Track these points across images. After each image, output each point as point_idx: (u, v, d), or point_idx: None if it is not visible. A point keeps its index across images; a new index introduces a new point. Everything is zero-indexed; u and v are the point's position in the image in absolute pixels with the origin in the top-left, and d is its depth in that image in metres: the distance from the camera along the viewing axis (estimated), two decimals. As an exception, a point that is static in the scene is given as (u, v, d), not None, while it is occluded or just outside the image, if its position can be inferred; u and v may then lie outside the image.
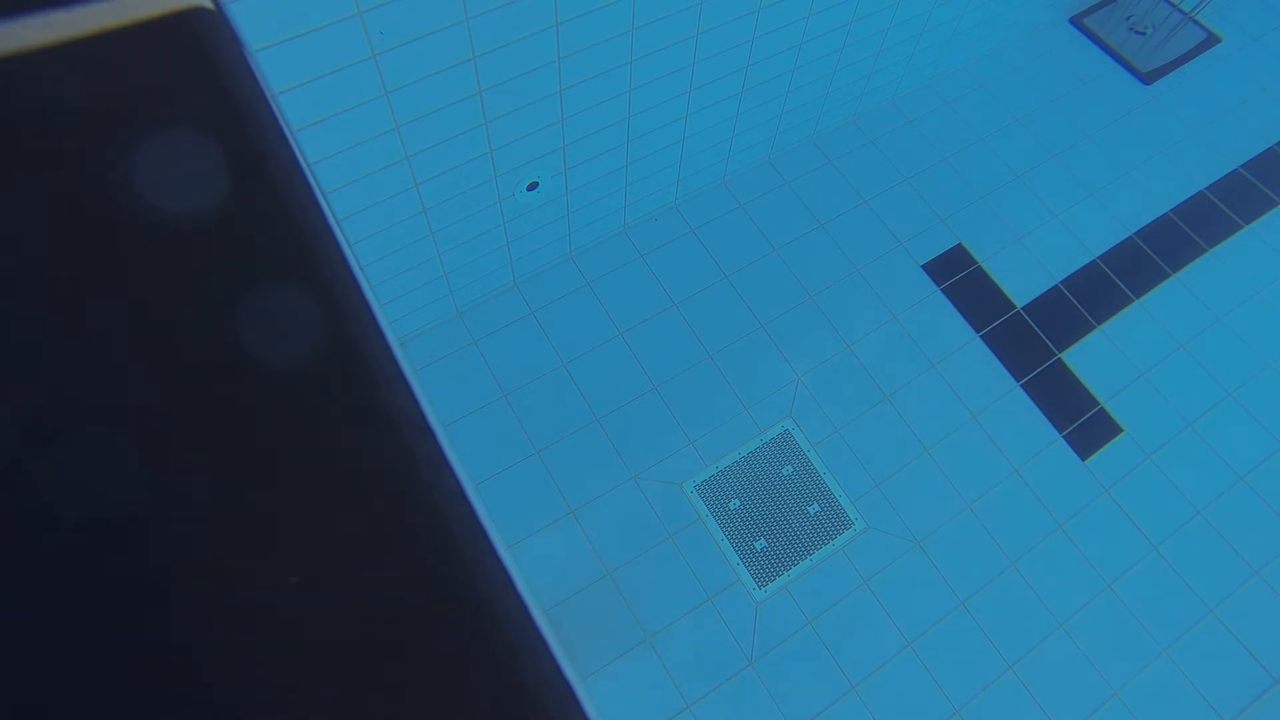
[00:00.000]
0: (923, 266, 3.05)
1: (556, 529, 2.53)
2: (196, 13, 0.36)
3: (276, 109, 0.38)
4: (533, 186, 2.44)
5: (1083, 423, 2.79)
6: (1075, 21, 3.69)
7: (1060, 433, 2.77)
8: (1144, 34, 3.62)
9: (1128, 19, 3.66)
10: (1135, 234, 3.16)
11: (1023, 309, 2.99)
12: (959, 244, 3.10)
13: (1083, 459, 2.73)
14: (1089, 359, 2.91)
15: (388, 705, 0.27)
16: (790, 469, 2.67)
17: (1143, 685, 2.42)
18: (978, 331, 2.94)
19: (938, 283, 3.02)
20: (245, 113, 0.35)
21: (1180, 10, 3.61)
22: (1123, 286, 3.05)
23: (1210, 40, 3.66)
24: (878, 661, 2.42)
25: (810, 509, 2.61)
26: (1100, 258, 3.11)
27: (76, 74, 0.33)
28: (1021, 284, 3.04)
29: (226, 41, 0.36)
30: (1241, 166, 3.32)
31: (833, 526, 2.59)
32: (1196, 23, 3.66)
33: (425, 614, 0.29)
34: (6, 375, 0.28)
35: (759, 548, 2.54)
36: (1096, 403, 2.83)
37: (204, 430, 0.29)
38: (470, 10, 1.74)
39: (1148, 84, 3.52)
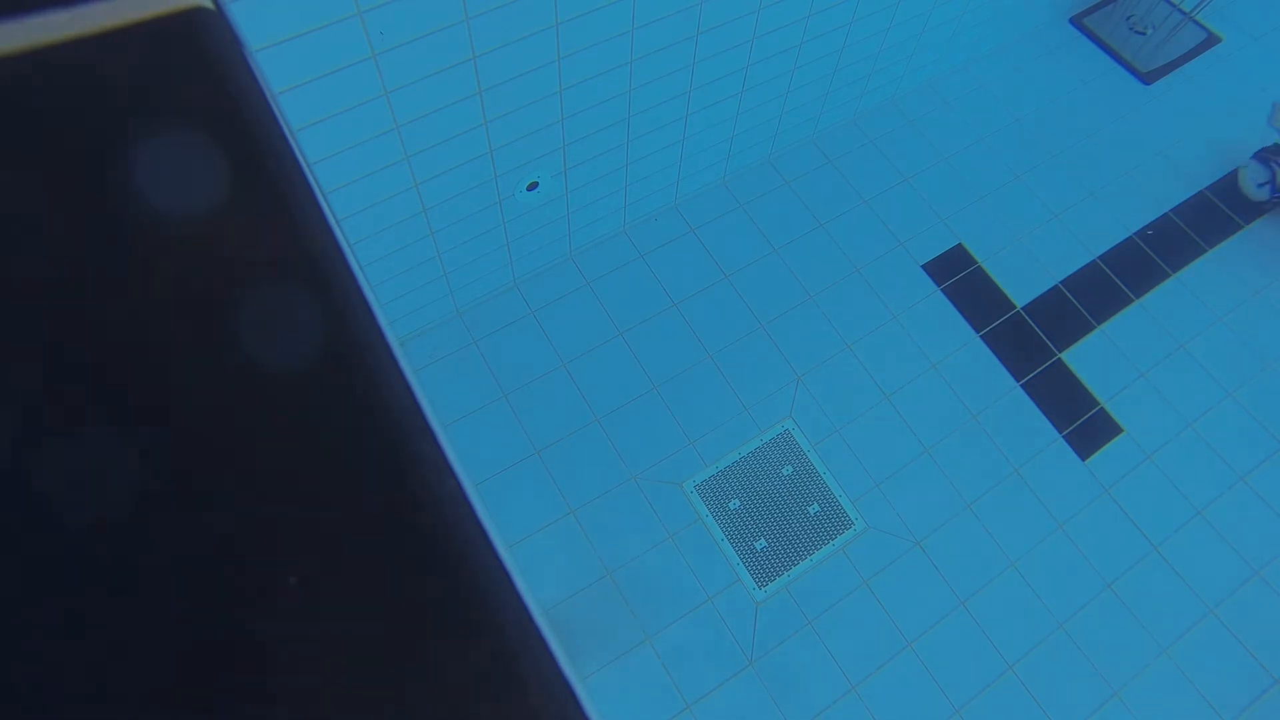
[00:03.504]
0: (923, 266, 3.05)
1: (556, 529, 2.53)
2: (196, 13, 0.36)
3: (276, 109, 0.38)
4: (533, 186, 2.44)
5: (1083, 423, 2.79)
6: (1075, 21, 3.69)
7: (1060, 433, 2.77)
8: (1144, 34, 3.62)
9: (1128, 19, 3.66)
10: (1135, 234, 3.16)
11: (1023, 309, 2.99)
12: (959, 244, 3.10)
13: (1083, 459, 2.73)
14: (1089, 359, 2.91)
15: (387, 705, 0.27)
16: (790, 469, 2.67)
17: (1143, 685, 2.42)
18: (978, 331, 2.94)
19: (938, 283, 3.02)
20: (245, 113, 0.35)
21: (1180, 10, 3.61)
22: (1123, 286, 3.05)
23: (1210, 40, 3.66)
24: (878, 661, 2.42)
25: (810, 509, 2.61)
26: (1100, 258, 3.11)
27: (76, 74, 0.33)
28: (1021, 284, 3.04)
29: (226, 41, 0.36)
30: (1241, 167, 3.32)
31: (833, 526, 2.59)
32: (1196, 23, 3.66)
33: (424, 614, 0.29)
34: (6, 375, 0.28)
35: (759, 548, 2.54)
36: (1096, 403, 2.83)
37: (203, 431, 0.29)
38: (470, 10, 1.74)
39: (1148, 84, 3.52)
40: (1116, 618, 2.50)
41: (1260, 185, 3.12)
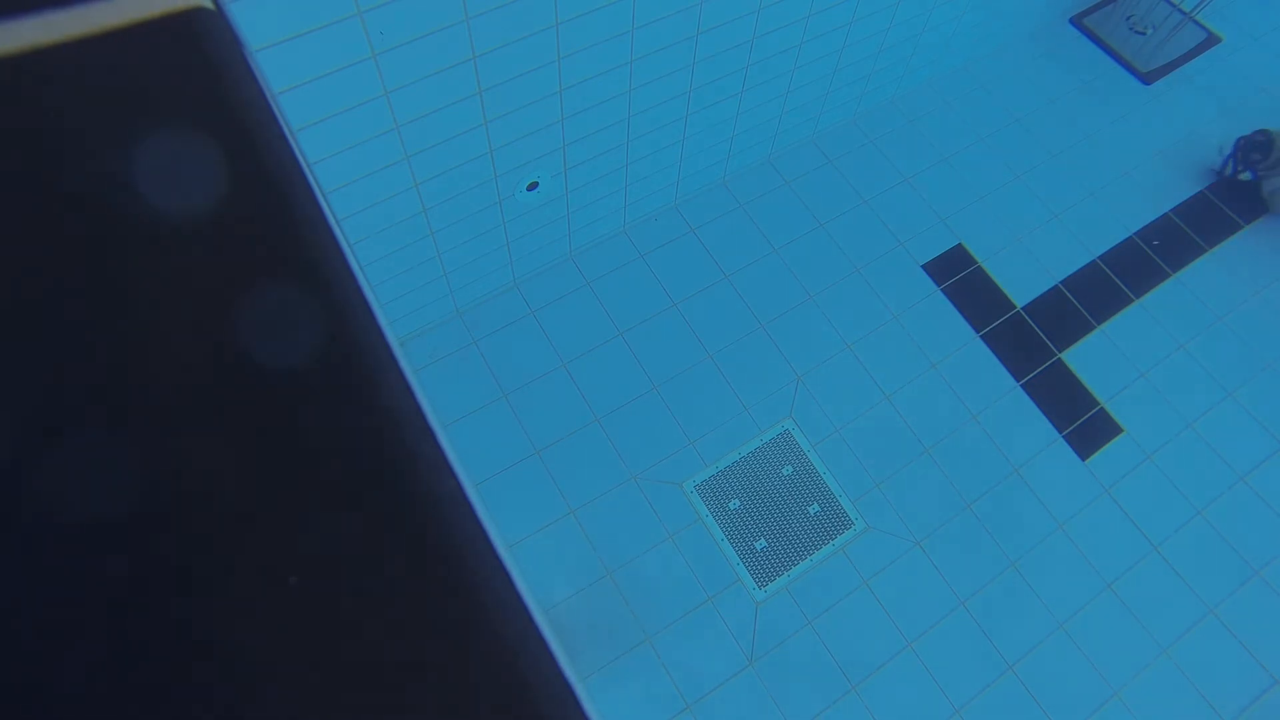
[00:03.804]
0: (923, 266, 3.05)
1: (556, 529, 2.53)
2: (196, 13, 0.36)
3: (276, 109, 0.38)
4: (533, 186, 2.44)
5: (1083, 423, 2.79)
6: (1075, 21, 3.69)
7: (1060, 433, 2.77)
8: (1144, 34, 3.62)
9: (1128, 19, 3.66)
10: (1135, 234, 3.16)
11: (1023, 309, 2.99)
12: (959, 244, 3.10)
13: (1083, 459, 2.73)
14: (1089, 359, 2.91)
15: (388, 705, 0.27)
16: (790, 469, 2.67)
17: (1143, 685, 2.42)
18: (978, 331, 2.94)
19: (938, 283, 3.02)
20: (245, 113, 0.35)
21: (1180, 10, 3.61)
22: (1123, 286, 3.05)
23: (1210, 40, 3.66)
24: (878, 661, 2.42)
25: (810, 509, 2.61)
26: (1100, 258, 3.11)
27: (77, 74, 0.33)
28: (1021, 284, 3.04)
29: (226, 41, 0.36)
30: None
31: (833, 526, 2.59)
32: (1196, 23, 3.66)
33: (425, 614, 0.29)
34: (7, 375, 0.28)
35: (759, 548, 2.54)
36: (1096, 403, 2.83)
37: (204, 431, 0.29)
38: (470, 10, 1.74)
39: (1148, 84, 3.52)
40: (1116, 618, 2.50)
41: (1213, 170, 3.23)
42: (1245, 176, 3.22)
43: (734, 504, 2.60)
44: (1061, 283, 3.05)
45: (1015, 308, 2.99)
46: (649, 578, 2.48)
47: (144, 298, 0.31)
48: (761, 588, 2.49)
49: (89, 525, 0.27)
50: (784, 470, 2.66)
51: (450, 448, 0.33)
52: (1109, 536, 2.62)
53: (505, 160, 2.25)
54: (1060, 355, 2.92)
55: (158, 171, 0.33)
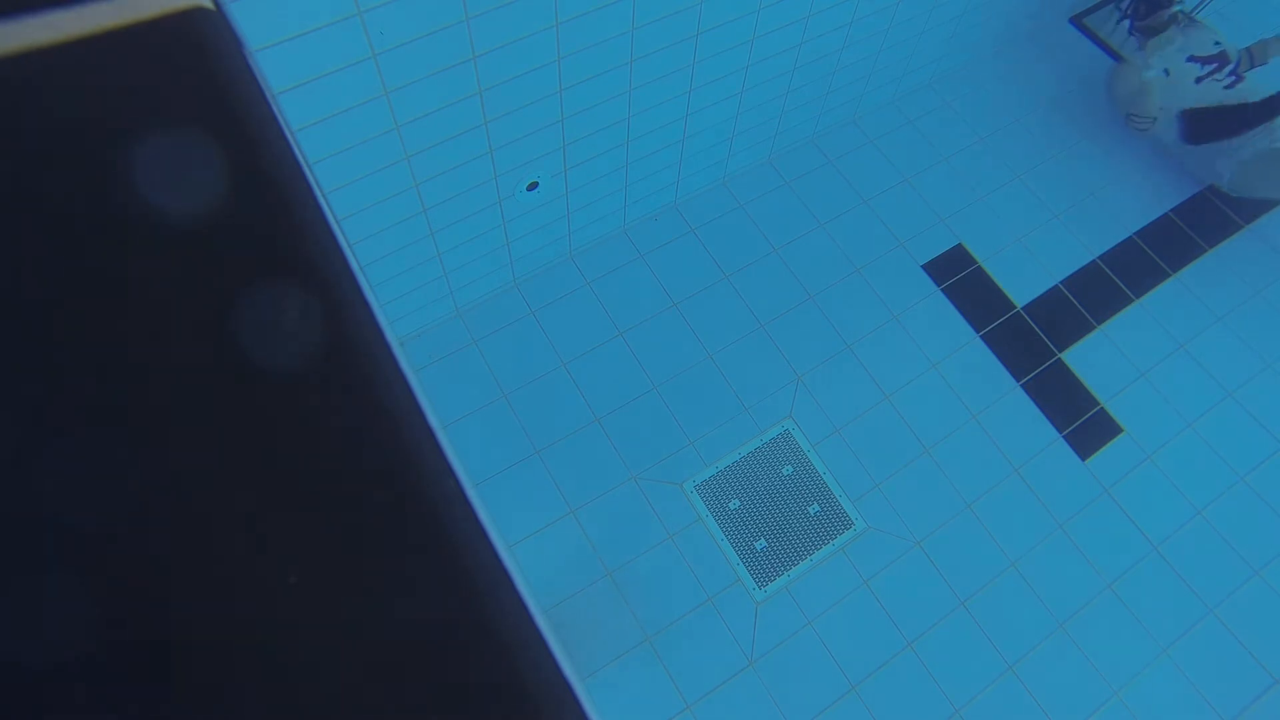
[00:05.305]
0: (923, 266, 3.05)
1: (556, 529, 2.53)
2: (196, 13, 0.36)
3: (276, 109, 0.38)
4: (533, 186, 2.44)
5: (1083, 423, 2.79)
6: (1075, 21, 3.69)
7: (1060, 433, 2.77)
8: (1144, 34, 3.61)
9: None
10: (1135, 234, 3.16)
11: (1023, 309, 2.99)
12: (959, 244, 3.10)
13: (1083, 459, 2.73)
14: (1089, 359, 2.91)
15: (388, 705, 0.27)
16: (790, 469, 2.67)
17: (1143, 685, 2.42)
18: (978, 331, 2.94)
19: (938, 283, 3.02)
20: (245, 113, 0.35)
21: (1180, 10, 3.60)
22: (1123, 286, 3.05)
23: (1210, 40, 3.65)
24: (878, 661, 2.42)
25: (810, 509, 2.61)
26: (1100, 258, 3.11)
27: (77, 73, 0.33)
28: (1021, 284, 3.04)
29: (226, 41, 0.36)
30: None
31: (833, 526, 2.59)
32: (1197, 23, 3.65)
33: (425, 613, 0.29)
34: (7, 375, 0.28)
35: (759, 548, 2.54)
36: (1096, 403, 2.83)
37: (204, 430, 0.29)
38: (470, 10, 1.74)
39: (1148, 84, 3.51)
40: (1116, 618, 2.50)
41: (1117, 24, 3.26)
42: (1124, 26, 3.19)
43: (734, 504, 2.60)
44: (1061, 283, 3.05)
45: (1015, 308, 2.99)
46: (649, 578, 2.48)
47: (143, 298, 0.31)
48: (761, 588, 2.49)
49: (88, 525, 0.27)
50: (784, 470, 2.66)
51: (450, 448, 0.33)
52: (1109, 536, 2.62)
53: (505, 160, 2.25)
54: (1060, 355, 2.92)
55: (158, 171, 0.33)
